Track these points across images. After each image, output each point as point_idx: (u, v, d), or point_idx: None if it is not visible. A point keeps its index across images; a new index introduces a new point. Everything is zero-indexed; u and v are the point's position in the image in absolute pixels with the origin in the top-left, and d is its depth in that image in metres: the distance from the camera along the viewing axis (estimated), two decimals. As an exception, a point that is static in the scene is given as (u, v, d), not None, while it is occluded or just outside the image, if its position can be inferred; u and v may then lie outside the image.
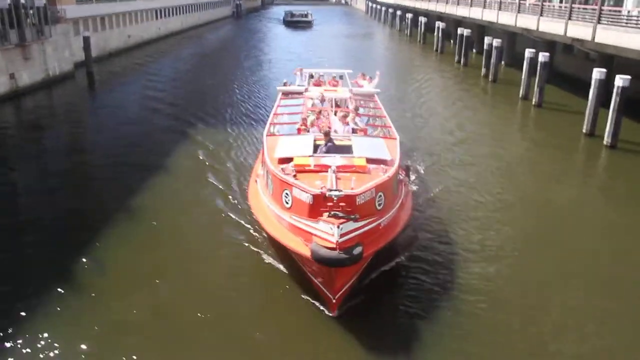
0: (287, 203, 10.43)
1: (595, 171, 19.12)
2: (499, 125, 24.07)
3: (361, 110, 16.72)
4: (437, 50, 47.75)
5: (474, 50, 43.05)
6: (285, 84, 19.61)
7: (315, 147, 12.21)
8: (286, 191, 10.47)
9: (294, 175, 10.59)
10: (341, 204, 9.38)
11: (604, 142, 20.00)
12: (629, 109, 20.14)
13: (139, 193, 15.37)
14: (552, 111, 25.78)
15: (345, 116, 14.38)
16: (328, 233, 9.11)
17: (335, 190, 9.58)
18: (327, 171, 10.62)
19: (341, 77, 21.77)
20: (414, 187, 15.33)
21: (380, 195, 10.35)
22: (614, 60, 24.10)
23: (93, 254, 11.92)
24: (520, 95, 28.04)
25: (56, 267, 11.34)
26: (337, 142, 12.51)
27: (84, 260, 11.65)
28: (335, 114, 14.91)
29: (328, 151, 11.94)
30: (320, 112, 15.43)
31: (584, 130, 21.49)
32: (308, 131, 13.84)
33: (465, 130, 22.68)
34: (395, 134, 14.10)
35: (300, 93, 18.05)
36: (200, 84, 32.81)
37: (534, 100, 26.61)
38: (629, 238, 13.28)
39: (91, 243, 12.35)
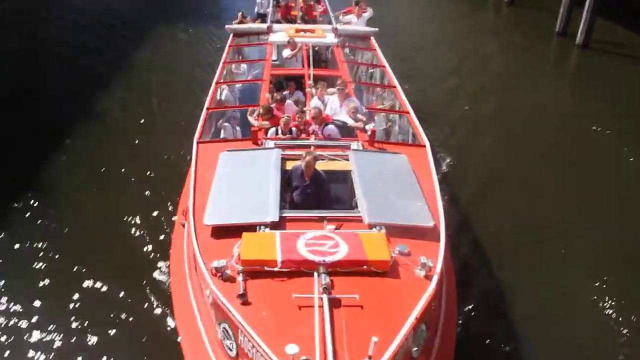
0: (230, 350, 5.14)
1: (567, 71, 19.10)
2: (468, 25, 23.43)
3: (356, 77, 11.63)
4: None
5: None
6: (239, 18, 14.11)
7: (285, 176, 6.92)
8: (224, 326, 5.14)
9: (241, 295, 5.06)
10: None
11: (576, 42, 19.75)
12: (603, 7, 19.74)
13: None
14: (525, 9, 25.13)
15: (317, 117, 8.21)
16: None
17: None
18: (311, 275, 5.15)
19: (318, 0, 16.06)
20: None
21: (422, 331, 5.11)
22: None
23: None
24: (492, -7, 27.19)
25: None
26: (323, 167, 7.07)
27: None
28: (315, 89, 9.49)
29: (309, 195, 6.77)
30: (288, 90, 10.13)
31: (556, 30, 21.13)
32: (274, 131, 8.31)
33: (431, 31, 22.21)
34: (421, 133, 8.58)
35: (260, 34, 12.95)
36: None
37: (506, -3, 25.87)
38: (599, 134, 13.49)
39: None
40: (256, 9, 16.17)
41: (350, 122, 8.57)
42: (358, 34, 13.34)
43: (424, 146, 8.23)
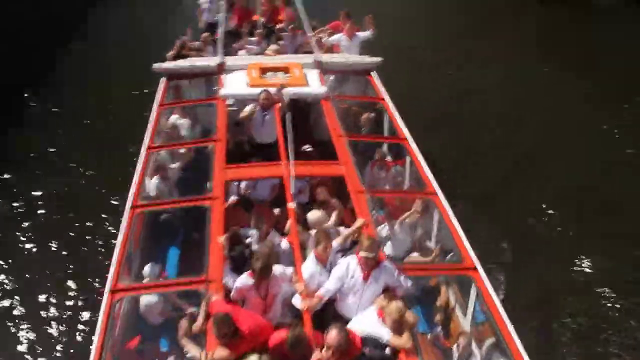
0: None
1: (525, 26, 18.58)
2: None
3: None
4: None
5: None
6: (177, 48, 8.91)
7: None
8: None
9: None
10: None
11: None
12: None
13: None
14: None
15: (336, 351, 4.10)
16: None
17: None
18: None
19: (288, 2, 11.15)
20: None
21: None
22: None
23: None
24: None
25: None
26: None
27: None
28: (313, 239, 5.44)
29: None
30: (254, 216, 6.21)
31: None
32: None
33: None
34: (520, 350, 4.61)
35: (208, 76, 8.32)
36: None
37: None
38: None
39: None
40: (204, 17, 11.20)
41: (387, 336, 4.57)
42: (353, 69, 8.67)
43: None
